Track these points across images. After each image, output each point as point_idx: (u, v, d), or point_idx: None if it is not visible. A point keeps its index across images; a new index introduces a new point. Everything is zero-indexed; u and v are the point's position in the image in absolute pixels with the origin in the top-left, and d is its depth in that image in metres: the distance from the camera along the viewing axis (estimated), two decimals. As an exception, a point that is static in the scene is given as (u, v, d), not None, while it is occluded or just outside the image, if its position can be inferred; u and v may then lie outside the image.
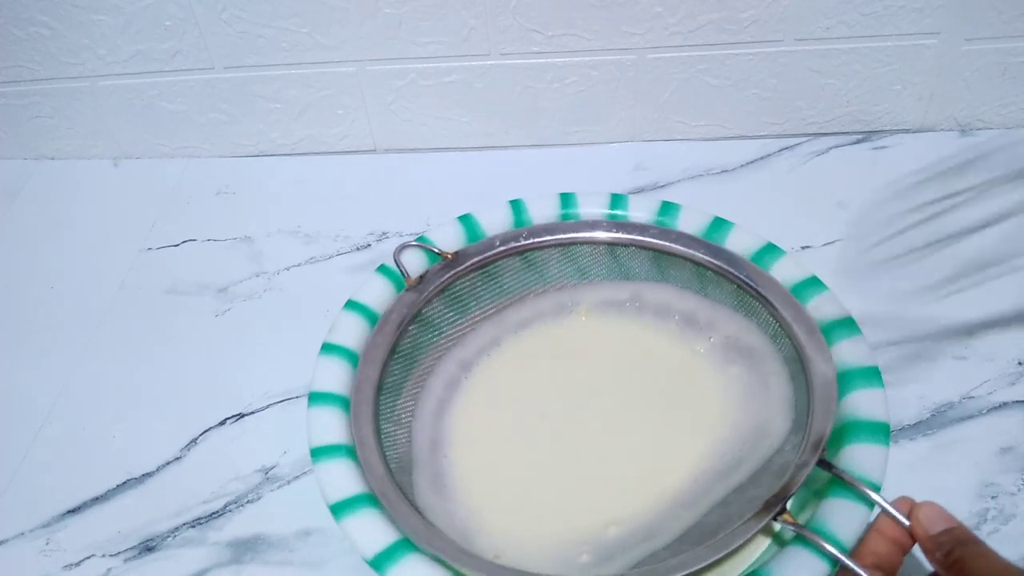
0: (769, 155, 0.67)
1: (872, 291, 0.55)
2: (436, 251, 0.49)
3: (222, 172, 0.71)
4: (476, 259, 0.49)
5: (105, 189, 0.71)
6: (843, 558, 0.34)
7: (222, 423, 0.53)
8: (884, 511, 0.35)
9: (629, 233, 0.49)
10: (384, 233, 0.64)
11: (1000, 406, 0.49)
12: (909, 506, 0.35)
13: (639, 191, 0.65)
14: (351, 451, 0.40)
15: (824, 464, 0.38)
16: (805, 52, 0.63)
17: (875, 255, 0.58)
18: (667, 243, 0.49)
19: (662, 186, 0.65)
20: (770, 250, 0.47)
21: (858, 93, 0.65)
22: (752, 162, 0.67)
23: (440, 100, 0.68)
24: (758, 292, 0.46)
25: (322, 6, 0.63)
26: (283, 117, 0.69)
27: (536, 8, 0.62)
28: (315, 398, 0.42)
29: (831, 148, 0.67)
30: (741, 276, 0.46)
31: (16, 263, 0.65)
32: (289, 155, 0.72)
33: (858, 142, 0.67)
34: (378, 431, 0.42)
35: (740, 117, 0.67)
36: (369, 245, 0.63)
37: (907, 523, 0.34)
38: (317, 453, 0.40)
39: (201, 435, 0.52)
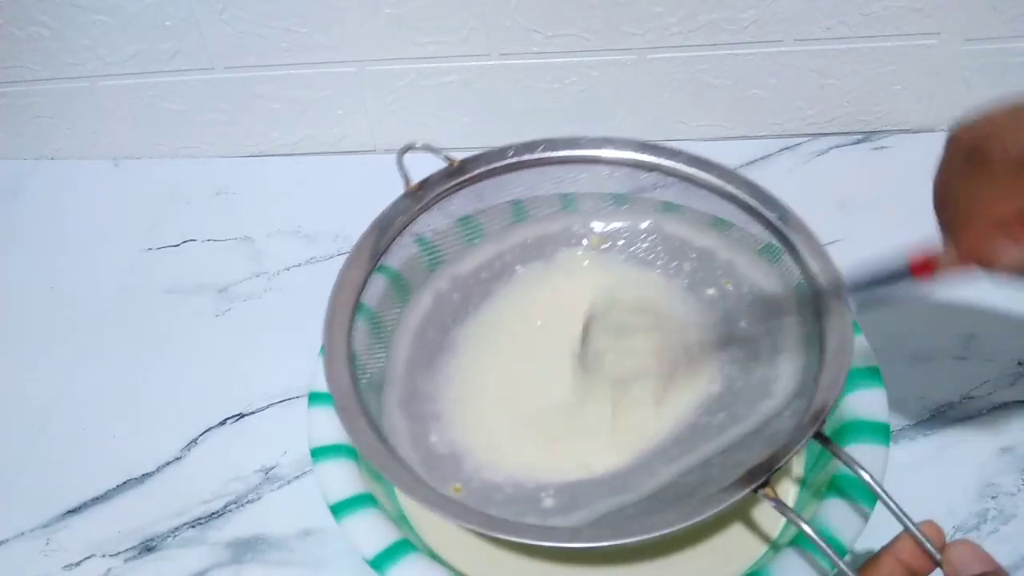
0: (769, 155, 0.67)
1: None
2: (441, 156, 0.45)
3: (222, 172, 0.71)
4: (483, 169, 0.45)
5: (105, 189, 0.71)
6: (837, 559, 0.33)
7: (222, 423, 0.53)
8: (916, 540, 0.31)
9: (658, 157, 0.45)
10: (384, 233, 0.64)
11: (1000, 406, 0.49)
12: (935, 532, 0.31)
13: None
14: (352, 451, 0.40)
15: (822, 438, 0.34)
16: (805, 52, 0.63)
17: (875, 255, 0.58)
18: (697, 171, 0.44)
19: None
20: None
21: (858, 93, 0.65)
22: (752, 162, 0.67)
23: (440, 100, 0.67)
24: (785, 237, 0.41)
25: (322, 6, 0.62)
26: (283, 117, 0.69)
27: (536, 8, 0.61)
28: (315, 398, 0.42)
29: (831, 148, 0.67)
30: (771, 217, 0.42)
31: (16, 263, 0.65)
32: (289, 155, 0.72)
33: (858, 142, 0.67)
34: (350, 338, 0.39)
35: (740, 117, 0.67)
36: (369, 245, 0.63)
37: (938, 556, 0.30)
38: (317, 453, 0.40)
39: (201, 435, 0.52)
